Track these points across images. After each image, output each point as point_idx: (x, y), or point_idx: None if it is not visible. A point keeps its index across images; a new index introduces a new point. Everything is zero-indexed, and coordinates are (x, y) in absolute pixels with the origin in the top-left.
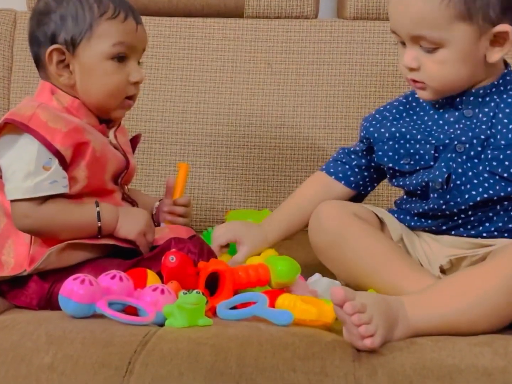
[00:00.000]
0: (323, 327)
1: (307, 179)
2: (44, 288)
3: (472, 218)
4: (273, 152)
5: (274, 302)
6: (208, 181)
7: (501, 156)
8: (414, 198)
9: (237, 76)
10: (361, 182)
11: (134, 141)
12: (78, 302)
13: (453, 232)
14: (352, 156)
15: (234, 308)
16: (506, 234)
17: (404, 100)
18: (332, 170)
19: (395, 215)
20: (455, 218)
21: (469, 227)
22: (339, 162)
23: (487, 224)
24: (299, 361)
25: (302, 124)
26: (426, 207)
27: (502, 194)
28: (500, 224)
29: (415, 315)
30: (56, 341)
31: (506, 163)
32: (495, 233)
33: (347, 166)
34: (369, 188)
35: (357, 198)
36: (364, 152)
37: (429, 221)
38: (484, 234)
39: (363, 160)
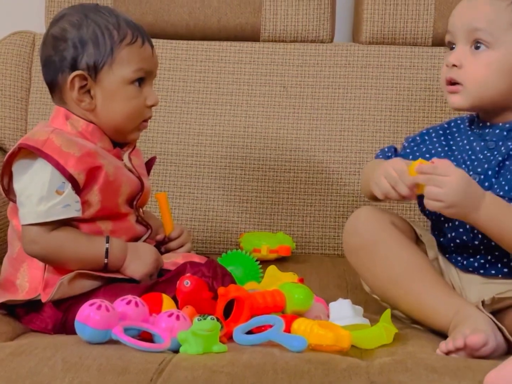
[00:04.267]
0: (339, 351)
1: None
2: (59, 312)
3: (484, 253)
4: (287, 175)
5: (290, 326)
6: (222, 203)
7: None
8: (436, 231)
9: (252, 99)
10: None
11: (149, 164)
12: (95, 328)
13: (481, 272)
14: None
15: (250, 331)
16: None
17: (446, 125)
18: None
19: (437, 238)
20: (471, 257)
21: (493, 272)
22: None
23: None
24: None
25: (317, 148)
26: (449, 236)
27: None
28: None
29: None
30: (73, 367)
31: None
32: None
33: None
34: None
35: None
36: None
37: (455, 256)
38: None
39: None
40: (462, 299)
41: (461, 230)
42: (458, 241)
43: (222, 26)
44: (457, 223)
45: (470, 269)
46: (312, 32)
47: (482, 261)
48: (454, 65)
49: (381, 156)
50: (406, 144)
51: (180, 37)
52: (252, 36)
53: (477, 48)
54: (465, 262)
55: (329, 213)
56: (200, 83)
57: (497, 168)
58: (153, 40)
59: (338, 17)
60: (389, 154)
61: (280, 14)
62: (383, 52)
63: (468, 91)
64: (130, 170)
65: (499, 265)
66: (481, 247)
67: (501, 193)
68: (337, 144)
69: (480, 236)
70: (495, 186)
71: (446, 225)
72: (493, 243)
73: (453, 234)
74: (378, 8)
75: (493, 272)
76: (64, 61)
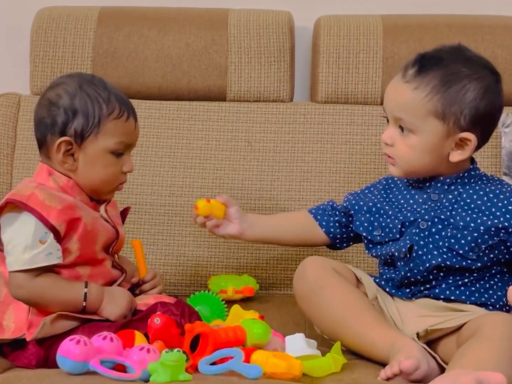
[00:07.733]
0: (291, 379)
1: (299, 212)
2: (41, 350)
3: (434, 284)
4: None
5: (250, 357)
6: (193, 249)
7: (458, 235)
8: (386, 267)
9: (220, 153)
10: (338, 236)
11: (124, 213)
12: (74, 360)
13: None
14: (337, 213)
15: (214, 363)
16: (472, 298)
17: (384, 182)
18: (318, 217)
19: (376, 280)
20: (421, 286)
21: (436, 291)
22: (326, 212)
23: (452, 288)
24: None
25: (278, 197)
26: (393, 275)
27: (457, 266)
28: (463, 289)
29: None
30: None
31: (462, 241)
32: (463, 297)
33: (331, 218)
34: (344, 244)
35: (333, 247)
36: (344, 213)
37: (403, 289)
38: (452, 298)
39: (344, 219)
40: (398, 332)
41: (415, 271)
42: (412, 279)
43: (192, 88)
44: (412, 265)
45: (418, 294)
46: (273, 92)
47: (429, 286)
48: (387, 144)
49: (313, 211)
50: (351, 197)
51: (153, 97)
52: (219, 96)
53: (403, 131)
54: (415, 291)
55: (290, 256)
56: (172, 139)
57: (442, 216)
58: None
59: (296, 79)
60: (328, 211)
61: (244, 77)
62: (337, 111)
63: (400, 165)
64: (106, 220)
65: (448, 292)
66: (432, 279)
67: (456, 246)
68: (297, 193)
69: (441, 274)
70: (443, 234)
71: (399, 263)
72: (442, 273)
73: (408, 274)
74: (332, 71)
75: (442, 296)
76: (55, 125)
